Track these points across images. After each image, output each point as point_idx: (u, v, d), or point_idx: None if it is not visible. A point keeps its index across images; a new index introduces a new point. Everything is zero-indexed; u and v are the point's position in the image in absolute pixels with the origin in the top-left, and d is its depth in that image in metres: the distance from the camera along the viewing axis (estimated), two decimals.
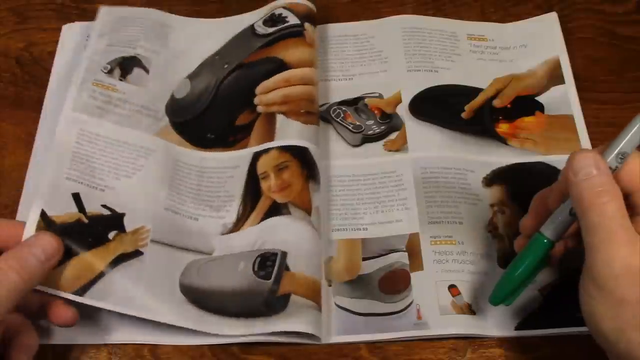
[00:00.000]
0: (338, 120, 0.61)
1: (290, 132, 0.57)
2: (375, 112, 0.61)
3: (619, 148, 0.39)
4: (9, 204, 0.56)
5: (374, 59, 0.65)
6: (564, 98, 0.61)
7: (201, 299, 0.50)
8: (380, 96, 0.62)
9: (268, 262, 0.51)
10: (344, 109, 0.62)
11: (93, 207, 0.51)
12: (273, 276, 0.50)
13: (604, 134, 0.59)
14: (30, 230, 0.48)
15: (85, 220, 0.50)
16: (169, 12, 0.67)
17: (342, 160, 0.59)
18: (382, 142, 0.60)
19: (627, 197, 0.39)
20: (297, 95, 0.59)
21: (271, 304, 0.49)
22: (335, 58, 0.65)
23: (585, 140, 0.58)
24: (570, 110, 0.60)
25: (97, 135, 0.56)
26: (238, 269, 0.51)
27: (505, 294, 0.45)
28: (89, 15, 0.67)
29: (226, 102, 0.60)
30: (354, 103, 0.62)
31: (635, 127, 0.39)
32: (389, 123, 0.60)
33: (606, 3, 0.68)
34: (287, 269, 0.51)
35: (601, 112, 0.61)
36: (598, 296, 0.37)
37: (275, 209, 0.54)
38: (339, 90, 0.63)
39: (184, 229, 0.54)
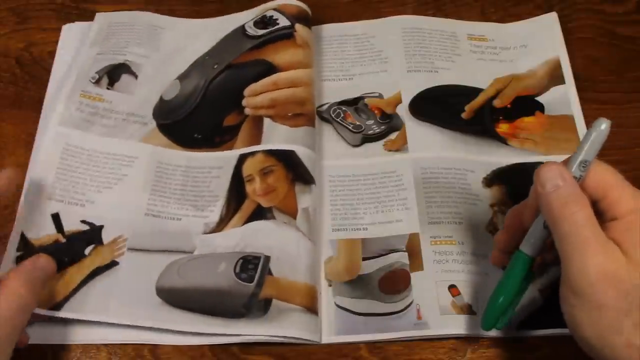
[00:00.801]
0: (338, 120, 0.61)
1: (277, 136, 0.58)
2: (376, 112, 0.61)
3: (580, 158, 0.40)
4: (8, 204, 0.56)
5: (374, 59, 0.65)
6: (564, 98, 0.61)
7: (180, 299, 0.51)
8: (381, 96, 0.62)
9: (250, 265, 0.51)
10: (344, 108, 0.62)
11: (72, 223, 0.53)
12: (255, 279, 0.50)
13: None
14: (11, 252, 0.51)
15: (63, 240, 0.52)
16: (169, 12, 0.68)
17: (342, 160, 0.59)
18: (382, 142, 0.60)
19: (594, 204, 0.40)
20: (285, 99, 0.60)
21: (252, 307, 0.50)
22: (335, 58, 0.65)
23: None
24: (571, 111, 0.60)
25: (81, 149, 0.57)
26: (219, 269, 0.52)
27: (496, 316, 0.45)
28: (88, 15, 0.67)
29: (215, 102, 0.61)
30: (354, 103, 0.62)
31: (592, 136, 0.40)
32: (389, 123, 0.60)
33: (606, 3, 0.68)
34: (270, 273, 0.51)
35: (601, 112, 0.60)
36: (577, 304, 0.38)
37: (260, 213, 0.55)
38: (339, 90, 0.63)
39: (165, 231, 0.54)
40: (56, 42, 0.65)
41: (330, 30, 0.67)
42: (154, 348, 0.50)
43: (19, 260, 0.51)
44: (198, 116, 0.60)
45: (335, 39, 0.66)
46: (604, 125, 0.39)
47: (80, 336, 0.50)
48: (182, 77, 0.62)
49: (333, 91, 0.63)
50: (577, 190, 0.39)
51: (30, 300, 0.43)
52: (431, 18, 0.67)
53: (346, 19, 0.67)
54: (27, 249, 0.51)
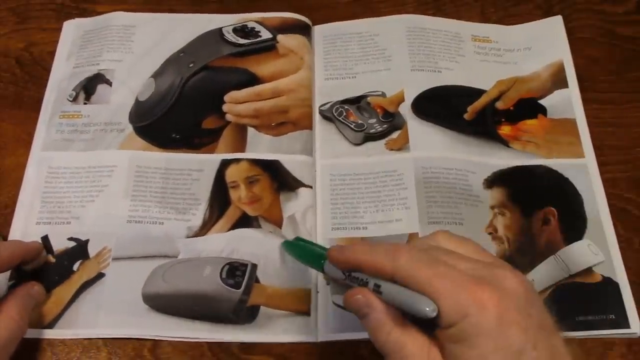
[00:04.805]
0: (340, 118, 0.61)
1: (261, 146, 0.59)
2: (378, 110, 0.61)
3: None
4: (9, 204, 0.56)
5: (378, 57, 0.65)
6: (567, 102, 0.61)
7: (167, 304, 0.51)
8: (383, 94, 0.62)
9: (237, 272, 0.52)
10: (346, 107, 0.62)
11: (60, 242, 0.54)
12: (243, 286, 0.51)
13: (604, 134, 0.59)
14: (3, 282, 0.52)
15: (53, 260, 0.53)
16: (169, 11, 0.68)
17: (344, 158, 0.59)
18: (383, 141, 0.60)
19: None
20: (269, 109, 0.60)
21: (240, 313, 0.50)
22: (339, 56, 0.65)
23: (587, 145, 0.59)
24: (573, 114, 0.60)
25: (64, 169, 0.58)
26: (204, 273, 0.52)
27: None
28: (88, 15, 0.68)
29: (192, 101, 0.61)
30: (357, 101, 0.62)
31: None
32: (391, 122, 0.60)
33: (606, 3, 0.68)
34: (257, 281, 0.52)
35: (601, 112, 0.61)
36: None
37: (246, 220, 0.56)
38: (342, 88, 0.63)
39: (148, 236, 0.55)
40: (56, 42, 0.65)
41: (334, 28, 0.67)
42: (153, 348, 0.50)
43: (11, 288, 0.51)
44: (175, 115, 0.60)
45: (339, 37, 0.66)
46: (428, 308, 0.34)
47: (80, 330, 0.51)
48: (156, 75, 0.63)
49: (336, 89, 0.63)
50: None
51: (23, 327, 0.46)
52: (435, 18, 0.67)
53: (347, 18, 0.67)
54: (19, 277, 0.52)
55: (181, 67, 0.62)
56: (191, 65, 0.62)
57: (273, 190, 0.57)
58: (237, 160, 0.58)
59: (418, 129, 0.60)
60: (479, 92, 0.61)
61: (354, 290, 0.38)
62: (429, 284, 0.34)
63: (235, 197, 0.57)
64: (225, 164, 0.58)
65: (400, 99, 0.62)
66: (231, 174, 0.58)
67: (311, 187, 0.57)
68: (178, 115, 0.60)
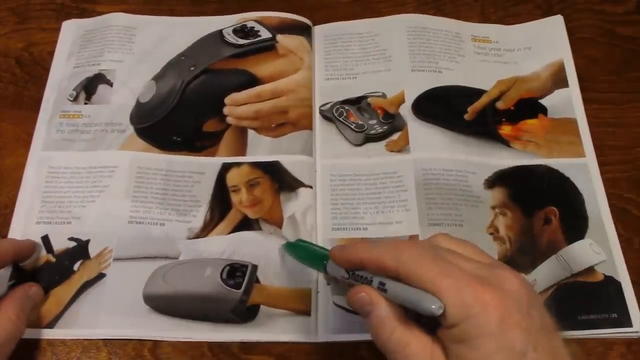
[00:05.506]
0: (340, 119, 0.61)
1: (261, 148, 0.59)
2: (379, 111, 0.61)
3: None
4: (8, 204, 0.56)
5: (378, 58, 0.65)
6: (567, 101, 0.61)
7: (167, 305, 0.51)
8: (384, 95, 0.62)
9: (238, 273, 0.52)
10: (346, 107, 0.61)
11: (60, 241, 0.54)
12: (243, 286, 0.51)
13: (604, 134, 0.59)
14: (4, 278, 0.52)
15: (53, 260, 0.53)
16: (169, 12, 0.68)
17: (344, 159, 0.59)
18: (384, 143, 0.60)
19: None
20: (269, 110, 0.60)
21: (240, 312, 0.51)
22: (339, 56, 0.65)
23: (588, 144, 0.59)
24: (574, 114, 0.60)
25: (64, 169, 0.58)
26: (205, 274, 0.52)
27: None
28: (88, 15, 0.68)
29: (192, 105, 0.61)
30: (357, 102, 0.62)
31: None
32: (392, 123, 0.60)
33: (606, 3, 0.68)
34: (258, 281, 0.52)
35: (601, 112, 0.61)
36: None
37: (246, 223, 0.56)
38: (343, 88, 0.63)
39: (149, 237, 0.55)
40: (56, 42, 0.65)
41: (335, 28, 0.67)
42: (153, 348, 0.50)
43: (11, 288, 0.51)
44: (176, 118, 0.60)
45: (340, 37, 0.66)
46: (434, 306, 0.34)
47: (81, 331, 0.50)
48: (157, 78, 0.63)
49: (336, 90, 0.63)
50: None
51: (21, 328, 0.47)
52: (436, 17, 0.67)
53: (346, 19, 0.67)
54: (19, 276, 0.52)
55: (182, 70, 0.62)
56: (192, 68, 0.62)
57: (274, 191, 0.57)
58: (238, 164, 0.58)
59: (418, 131, 0.60)
60: (479, 92, 0.61)
61: (357, 288, 0.38)
62: (432, 282, 0.34)
63: (236, 201, 0.57)
64: (226, 167, 0.58)
65: (401, 100, 0.62)
66: (232, 177, 0.58)
67: (311, 187, 0.57)
68: (179, 118, 0.60)
